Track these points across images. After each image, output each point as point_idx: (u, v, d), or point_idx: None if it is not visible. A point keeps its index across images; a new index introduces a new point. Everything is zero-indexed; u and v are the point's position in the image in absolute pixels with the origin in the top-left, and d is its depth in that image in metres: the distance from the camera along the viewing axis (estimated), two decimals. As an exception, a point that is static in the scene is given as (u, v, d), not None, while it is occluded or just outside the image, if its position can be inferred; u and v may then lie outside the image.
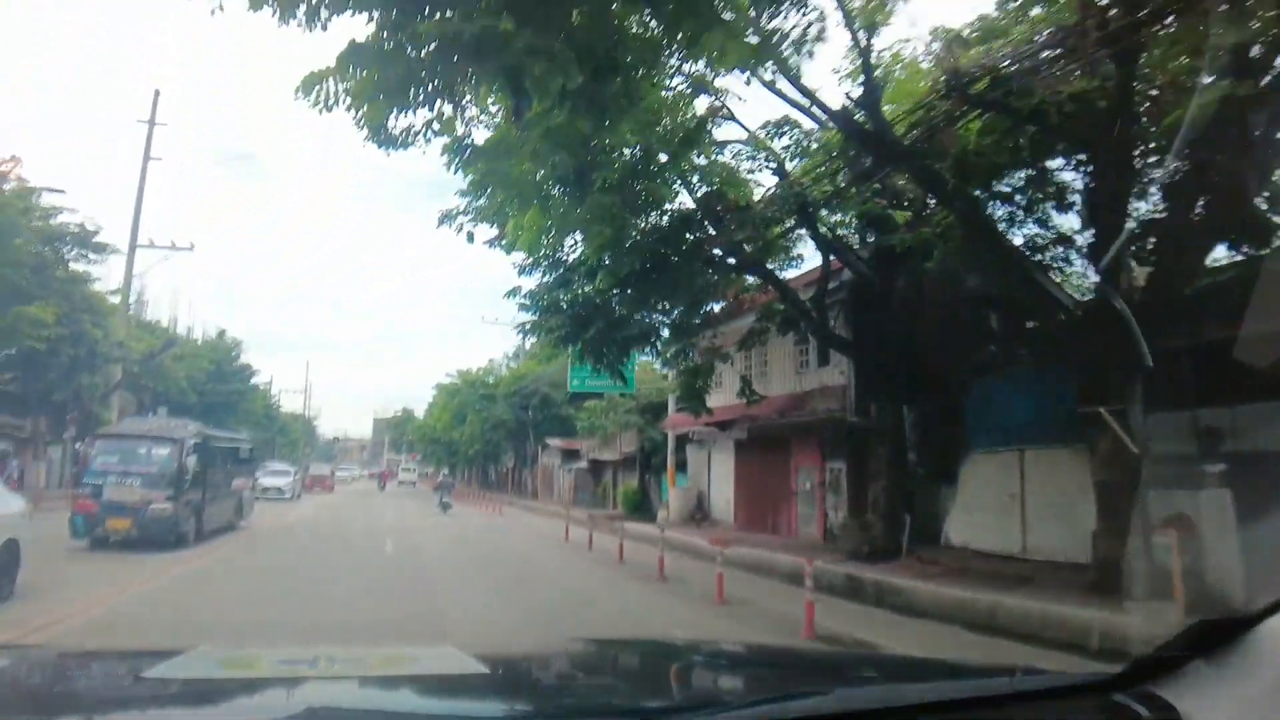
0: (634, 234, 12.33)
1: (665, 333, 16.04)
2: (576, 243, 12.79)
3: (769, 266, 15.45)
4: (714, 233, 13.73)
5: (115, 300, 35.27)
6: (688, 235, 13.51)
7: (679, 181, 13.18)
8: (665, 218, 13.31)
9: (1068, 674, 2.06)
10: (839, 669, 2.74)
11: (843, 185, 13.16)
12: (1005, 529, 13.51)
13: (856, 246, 15.09)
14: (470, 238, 15.72)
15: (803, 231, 15.27)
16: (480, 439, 45.79)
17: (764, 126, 13.32)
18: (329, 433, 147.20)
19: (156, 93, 38.81)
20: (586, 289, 14.06)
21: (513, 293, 14.70)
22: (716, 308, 17.32)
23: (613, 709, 1.81)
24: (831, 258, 16.63)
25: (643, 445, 29.23)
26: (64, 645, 5.81)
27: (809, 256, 17.15)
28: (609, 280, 11.39)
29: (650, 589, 12.87)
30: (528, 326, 15.28)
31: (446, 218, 15.88)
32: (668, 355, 18.89)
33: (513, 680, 2.27)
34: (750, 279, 16.53)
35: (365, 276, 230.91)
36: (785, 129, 12.97)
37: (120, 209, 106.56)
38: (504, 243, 14.95)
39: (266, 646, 3.99)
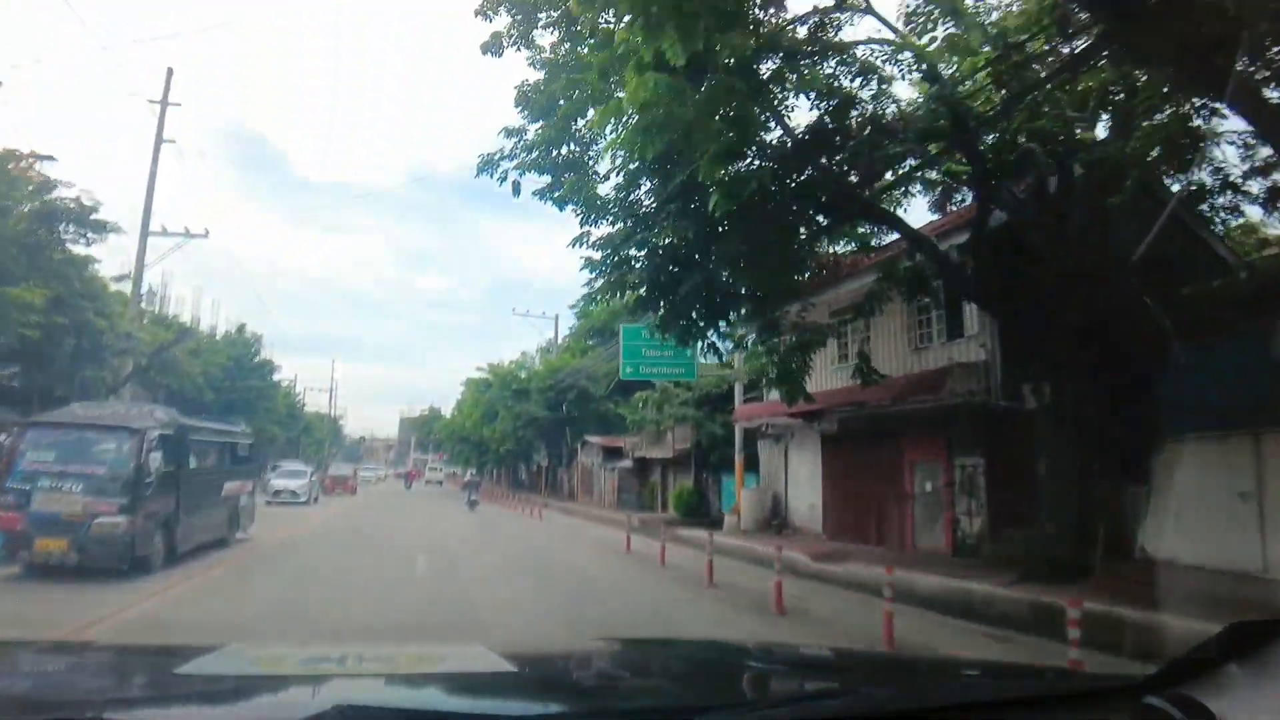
0: (751, 151, 9.26)
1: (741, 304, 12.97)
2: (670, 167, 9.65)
3: (885, 211, 12.39)
4: (832, 162, 10.69)
5: (122, 288, 32.84)
6: (798, 173, 10.48)
7: (801, 92, 10.09)
8: (783, 137, 10.21)
9: (1099, 675, 2.21)
10: (871, 670, 2.66)
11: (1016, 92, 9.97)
12: (1234, 539, 10.24)
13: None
14: (516, 189, 12.90)
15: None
16: (512, 437, 42.88)
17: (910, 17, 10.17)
18: (355, 433, 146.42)
19: (170, 71, 36.01)
20: (668, 239, 11.04)
21: (578, 240, 11.68)
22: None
23: (641, 709, 1.79)
24: (956, 206, 13.55)
25: (699, 441, 26.15)
26: (102, 642, 5.44)
27: (912, 209, 14.09)
28: (724, 204, 8.29)
29: (780, 631, 9.66)
30: (597, 284, 12.22)
31: (487, 165, 13.01)
32: (745, 335, 15.82)
33: (542, 680, 2.25)
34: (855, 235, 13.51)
35: (394, 277, 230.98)
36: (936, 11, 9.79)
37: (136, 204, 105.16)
38: (556, 195, 12.08)
39: (296, 645, 3.97)
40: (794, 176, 10.53)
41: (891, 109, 10.87)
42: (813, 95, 10.23)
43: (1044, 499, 11.32)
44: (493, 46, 11.24)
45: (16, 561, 10.72)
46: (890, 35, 10.22)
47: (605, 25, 8.54)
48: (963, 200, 14.13)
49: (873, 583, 10.99)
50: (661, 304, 11.70)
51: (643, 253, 11.62)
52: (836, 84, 10.33)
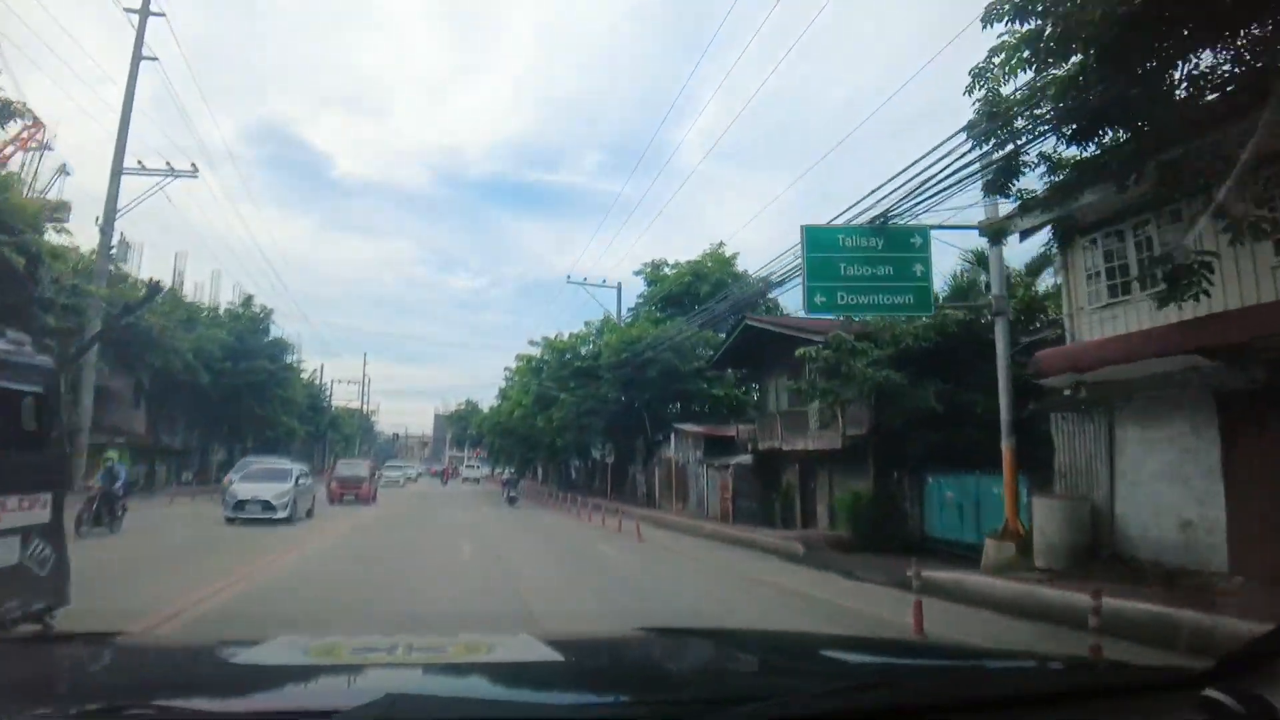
0: None
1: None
2: None
3: None
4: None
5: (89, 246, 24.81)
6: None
7: None
8: None
9: (1156, 668, 1.97)
10: (911, 659, 2.63)
11: None
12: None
13: None
14: None
15: None
16: (574, 426, 34.19)
17: None
18: (388, 430, 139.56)
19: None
20: None
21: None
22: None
23: (687, 698, 1.74)
24: None
25: (877, 425, 17.29)
26: (159, 634, 5.77)
27: None
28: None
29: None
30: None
31: None
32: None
33: (588, 669, 2.24)
34: None
35: (431, 275, 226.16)
36: None
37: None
38: None
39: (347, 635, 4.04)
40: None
41: None
42: None
43: None
44: None
45: None
46: None
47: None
48: None
49: None
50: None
51: None
52: None
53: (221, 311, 41.76)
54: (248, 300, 42.23)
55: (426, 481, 75.86)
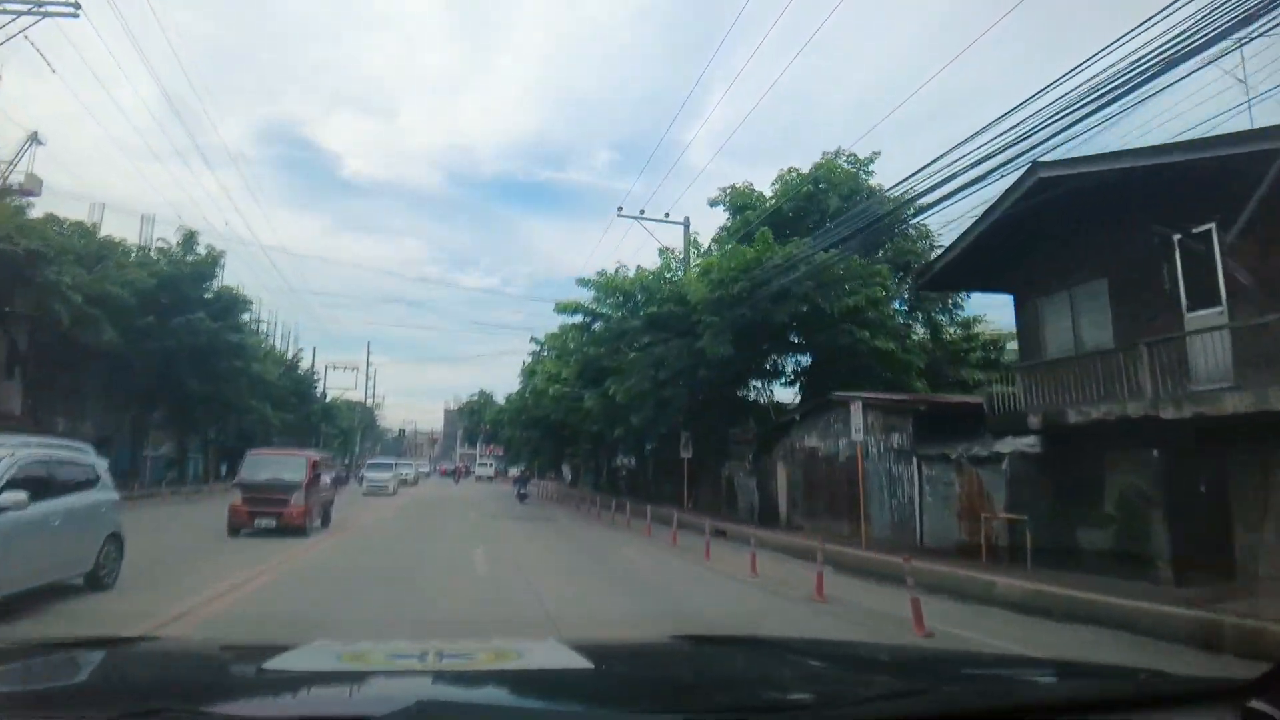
0: None
1: None
2: None
3: None
4: None
5: None
6: None
7: None
8: None
9: (1198, 678, 1.97)
10: (949, 667, 2.49)
11: None
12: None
13: None
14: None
15: None
16: (652, 397, 22.66)
17: None
18: (397, 425, 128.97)
19: None
20: None
21: None
22: None
23: (719, 706, 1.73)
24: None
25: None
26: (194, 639, 5.72)
27: None
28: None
29: None
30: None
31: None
32: None
33: (618, 677, 2.21)
34: None
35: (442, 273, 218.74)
36: None
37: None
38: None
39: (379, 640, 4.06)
40: None
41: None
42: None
43: None
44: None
45: None
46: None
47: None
48: None
49: None
50: None
51: None
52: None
53: (153, 252, 30.58)
54: (189, 238, 30.90)
55: (435, 483, 65.38)
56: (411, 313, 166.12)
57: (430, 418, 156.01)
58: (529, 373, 43.44)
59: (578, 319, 28.41)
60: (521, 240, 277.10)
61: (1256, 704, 1.40)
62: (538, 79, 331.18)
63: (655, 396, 22.53)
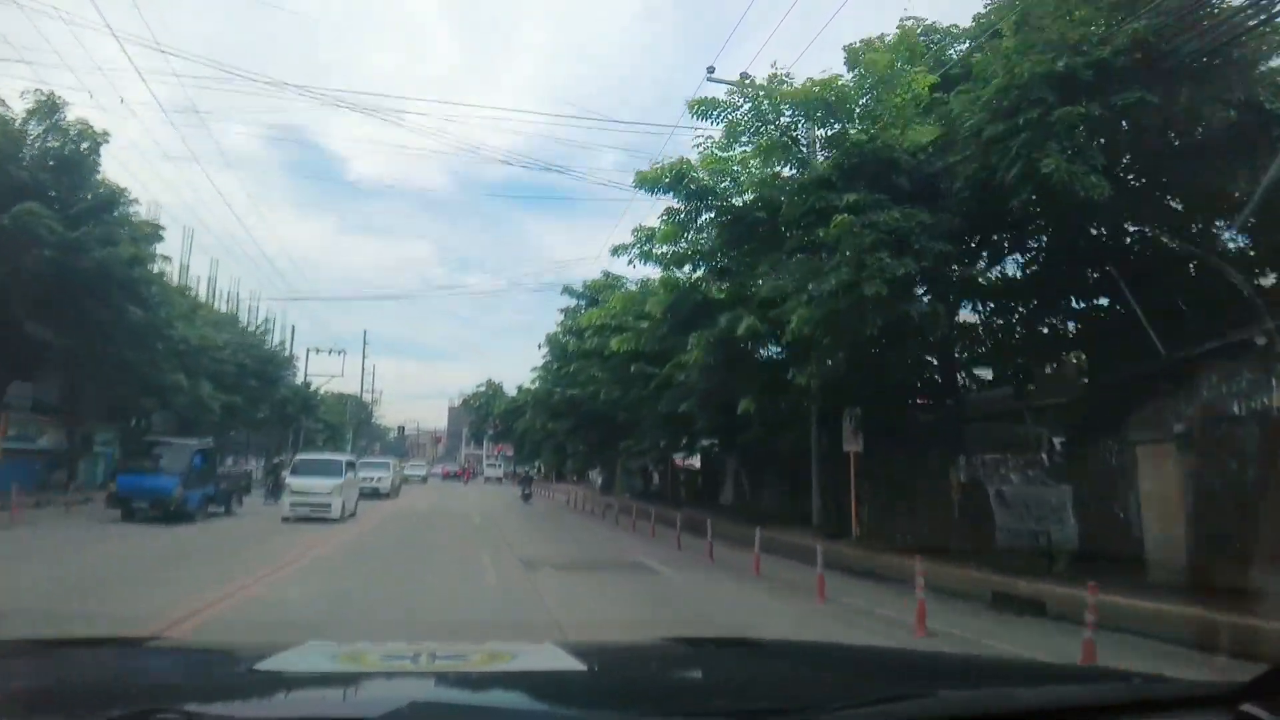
0: None
1: None
2: None
3: None
4: None
5: None
6: None
7: None
8: None
9: (1192, 682, 1.90)
10: (942, 671, 2.45)
11: None
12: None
13: None
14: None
15: None
16: (883, 313, 11.04)
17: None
18: (394, 423, 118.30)
19: None
20: None
21: None
22: None
23: (713, 709, 1.73)
24: None
25: None
26: (188, 639, 5.72)
27: None
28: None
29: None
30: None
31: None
32: None
33: (614, 680, 2.18)
34: None
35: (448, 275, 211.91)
36: None
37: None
38: None
39: (374, 641, 3.97)
40: None
41: None
42: None
43: None
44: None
45: None
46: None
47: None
48: None
49: None
50: None
51: None
52: None
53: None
54: (47, 105, 19.71)
55: (435, 488, 54.72)
56: (415, 313, 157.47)
57: (435, 415, 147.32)
58: (559, 344, 32.22)
59: (674, 203, 16.43)
60: (527, 241, 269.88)
61: (1249, 708, 1.40)
62: (537, 77, 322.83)
63: (886, 313, 11.39)
